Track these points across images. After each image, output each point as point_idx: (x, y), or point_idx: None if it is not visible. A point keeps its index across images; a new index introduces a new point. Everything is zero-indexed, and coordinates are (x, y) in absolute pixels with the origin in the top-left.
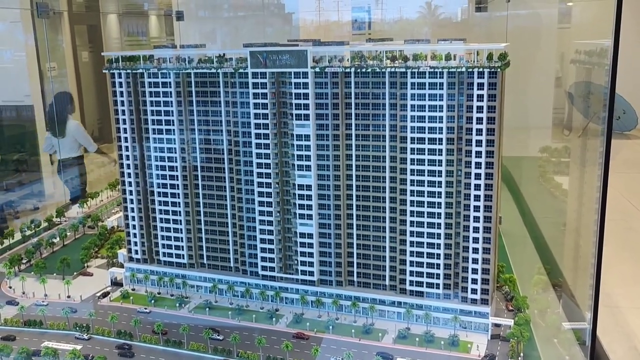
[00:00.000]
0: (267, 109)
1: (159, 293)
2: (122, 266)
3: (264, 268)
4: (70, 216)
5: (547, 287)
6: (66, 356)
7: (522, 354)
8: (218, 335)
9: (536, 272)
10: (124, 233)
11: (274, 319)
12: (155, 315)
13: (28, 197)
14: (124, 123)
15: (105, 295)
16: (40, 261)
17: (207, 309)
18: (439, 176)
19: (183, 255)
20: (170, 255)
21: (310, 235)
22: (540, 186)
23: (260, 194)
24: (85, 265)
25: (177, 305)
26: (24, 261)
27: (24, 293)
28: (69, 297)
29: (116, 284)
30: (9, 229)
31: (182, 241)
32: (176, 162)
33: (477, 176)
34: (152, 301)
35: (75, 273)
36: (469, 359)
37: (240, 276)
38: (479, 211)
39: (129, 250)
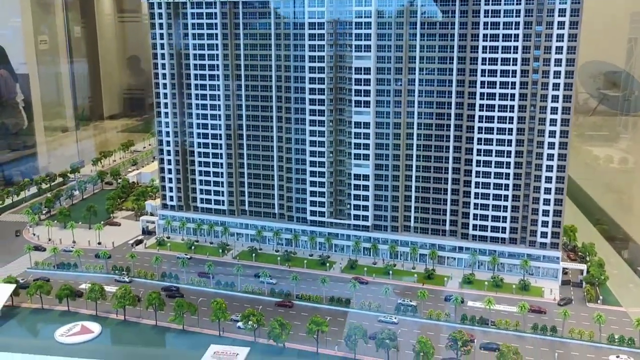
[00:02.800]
0: (323, 39)
1: (196, 241)
2: (152, 216)
3: (313, 213)
4: (84, 173)
5: (608, 236)
6: (116, 292)
7: (601, 297)
8: (271, 279)
9: (595, 223)
10: (145, 187)
11: (327, 264)
12: (197, 261)
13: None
14: (163, 66)
15: (138, 242)
16: (65, 209)
17: (253, 255)
18: (510, 111)
19: (223, 201)
20: (209, 202)
21: (365, 177)
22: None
23: (312, 132)
24: (112, 215)
25: (220, 252)
26: (44, 211)
27: (50, 239)
28: (99, 243)
29: (148, 232)
30: (24, 180)
31: (222, 186)
32: (219, 108)
33: (553, 110)
34: (192, 248)
35: (102, 222)
36: (546, 303)
37: (285, 223)
38: (554, 148)
39: (164, 197)
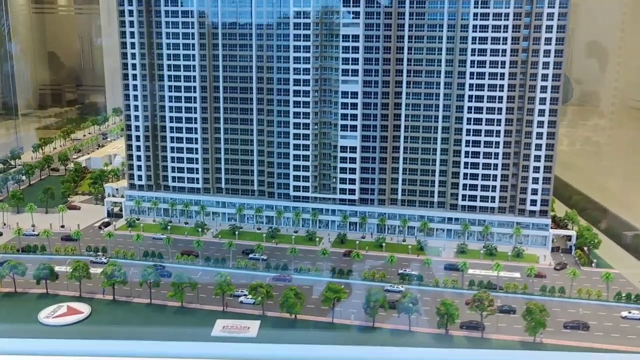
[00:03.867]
0: (309, 4)
1: (170, 222)
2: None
3: (296, 189)
4: (25, 160)
5: (586, 205)
6: (105, 269)
7: (595, 260)
8: (261, 255)
9: (574, 193)
10: (101, 171)
11: (317, 239)
12: (176, 242)
13: None
14: (131, 34)
15: (106, 225)
16: (18, 192)
17: (236, 233)
18: (500, 79)
19: (197, 179)
20: (181, 180)
21: (353, 149)
22: None
23: (296, 103)
24: (68, 199)
25: (199, 231)
26: None
27: (4, 224)
28: (62, 226)
29: (113, 215)
30: None
31: (197, 163)
32: (193, 79)
33: (544, 78)
34: (168, 228)
35: (60, 206)
36: (542, 269)
37: (266, 200)
38: (544, 115)
39: (131, 177)
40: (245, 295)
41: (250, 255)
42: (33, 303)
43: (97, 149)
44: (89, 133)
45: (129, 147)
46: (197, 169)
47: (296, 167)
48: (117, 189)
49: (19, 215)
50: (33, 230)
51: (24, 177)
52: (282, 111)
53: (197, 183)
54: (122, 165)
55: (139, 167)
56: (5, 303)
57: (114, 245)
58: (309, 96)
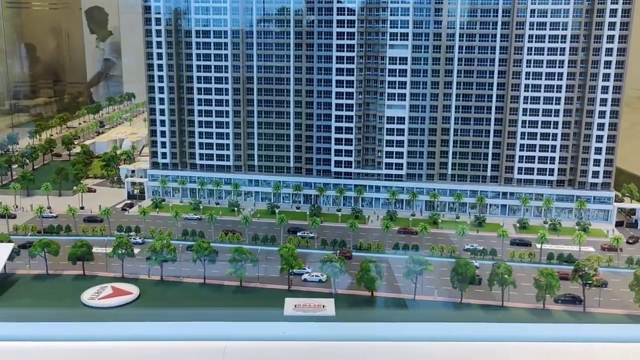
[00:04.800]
0: None
1: (199, 202)
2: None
3: (337, 164)
4: (22, 145)
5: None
6: (153, 245)
7: None
8: (310, 233)
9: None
10: (114, 153)
11: (367, 217)
12: (207, 222)
13: None
14: (157, 8)
15: (130, 206)
16: (29, 173)
17: (277, 211)
18: (562, 42)
19: (228, 156)
20: (210, 158)
21: (400, 120)
22: None
23: (339, 71)
24: (81, 181)
25: (234, 211)
26: None
27: (17, 206)
28: (82, 208)
29: (133, 197)
30: None
31: (227, 139)
32: (224, 47)
33: (610, 39)
34: (200, 208)
35: (79, 185)
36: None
37: (303, 177)
38: (609, 80)
39: (154, 155)
40: (309, 272)
41: (299, 233)
42: (70, 285)
43: (97, 135)
44: (84, 121)
45: (153, 123)
46: (227, 145)
47: (338, 141)
48: (132, 171)
49: (30, 198)
50: (50, 212)
51: (27, 161)
52: (323, 80)
53: (228, 161)
54: (133, 148)
55: (163, 145)
56: (39, 285)
57: (145, 226)
58: (352, 63)
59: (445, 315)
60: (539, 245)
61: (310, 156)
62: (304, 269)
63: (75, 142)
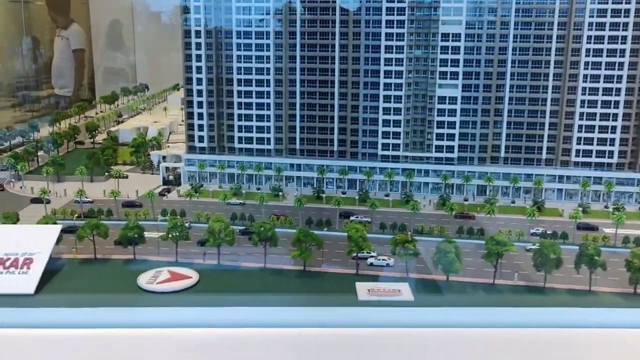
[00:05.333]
0: None
1: (239, 187)
2: (168, 167)
3: (385, 147)
4: (43, 134)
5: None
6: (210, 226)
7: None
8: (364, 217)
9: None
10: (142, 138)
11: (422, 200)
12: (252, 207)
13: None
14: None
15: (167, 191)
16: (59, 157)
17: (323, 197)
18: (625, 17)
19: (269, 139)
20: (249, 141)
21: (453, 100)
22: None
23: (388, 48)
24: (111, 167)
25: (279, 195)
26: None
27: (47, 191)
28: (118, 193)
29: (168, 182)
30: None
31: (268, 121)
32: (267, 24)
33: None
34: (242, 193)
35: (116, 169)
36: None
37: (347, 160)
38: None
39: (190, 139)
40: (374, 256)
41: (353, 217)
42: (122, 269)
43: (116, 124)
44: (101, 111)
45: (189, 104)
46: (268, 128)
47: (385, 123)
48: (163, 157)
49: (61, 184)
50: (85, 197)
51: (52, 148)
52: (370, 58)
53: (268, 144)
54: (160, 135)
55: (200, 128)
56: (89, 270)
57: (188, 210)
58: (402, 39)
59: (529, 300)
60: (606, 230)
61: (355, 139)
62: (369, 252)
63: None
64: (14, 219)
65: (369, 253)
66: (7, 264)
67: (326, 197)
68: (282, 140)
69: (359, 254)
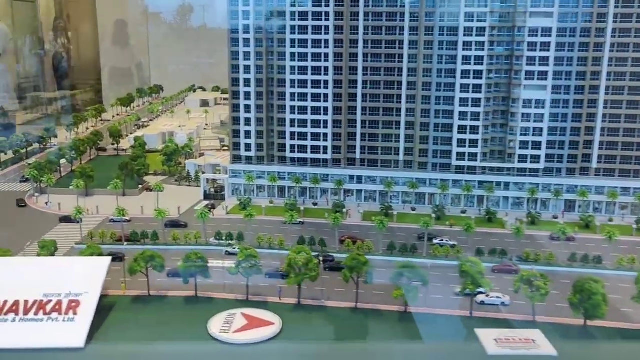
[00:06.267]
0: None
1: (295, 202)
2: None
3: (460, 157)
4: (60, 139)
5: None
6: (291, 259)
7: None
8: (448, 240)
9: None
10: (175, 145)
11: (504, 217)
12: (319, 226)
13: None
14: None
15: (212, 207)
16: (88, 168)
17: (395, 214)
18: None
19: (325, 148)
20: (302, 150)
21: (540, 104)
22: None
23: (466, 45)
24: (143, 178)
25: (344, 212)
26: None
27: (83, 211)
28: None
29: (208, 196)
30: None
31: (325, 127)
32: (326, 30)
33: None
34: (299, 210)
35: (157, 183)
36: None
37: (415, 172)
38: None
39: (236, 147)
40: (483, 293)
41: (437, 241)
42: (184, 310)
43: (137, 128)
44: (117, 114)
45: (235, 109)
46: (324, 135)
47: (461, 129)
48: (199, 166)
49: (90, 199)
50: (122, 216)
51: (74, 156)
52: (445, 56)
53: (325, 153)
54: (190, 141)
55: (247, 135)
56: (145, 310)
57: (242, 231)
58: (483, 34)
59: None
60: None
61: (424, 147)
62: (481, 289)
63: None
64: (51, 249)
65: (480, 290)
66: (49, 308)
67: (392, 213)
68: (341, 149)
69: (466, 291)
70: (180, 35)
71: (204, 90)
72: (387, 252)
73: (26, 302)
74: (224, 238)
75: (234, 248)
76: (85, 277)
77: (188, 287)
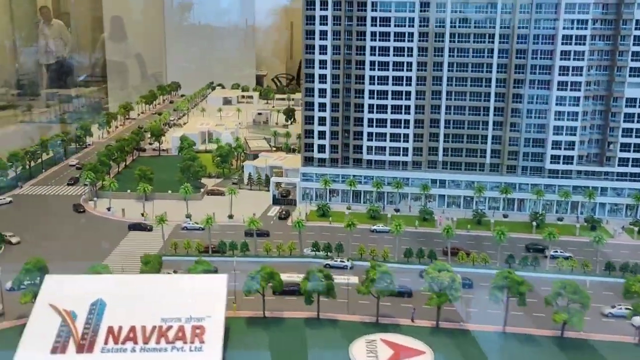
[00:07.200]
0: None
1: (377, 209)
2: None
3: (554, 159)
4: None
5: None
6: (431, 272)
7: None
8: (562, 252)
9: None
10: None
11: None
12: (405, 234)
13: None
14: None
15: (286, 214)
16: (146, 170)
17: (492, 222)
18: None
19: (406, 150)
20: (380, 151)
21: None
22: None
23: (566, 39)
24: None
25: (426, 220)
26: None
27: (164, 219)
28: (231, 217)
29: (277, 201)
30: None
31: (407, 127)
32: (410, 22)
33: None
34: (379, 216)
35: (230, 187)
36: None
37: (504, 176)
38: None
39: (308, 148)
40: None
41: (552, 253)
42: (309, 335)
43: (168, 127)
44: (142, 112)
45: (309, 107)
46: (405, 136)
47: (557, 130)
48: (259, 168)
49: (151, 203)
50: (189, 223)
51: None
52: (540, 51)
53: (405, 155)
54: (237, 140)
55: (321, 135)
56: (265, 335)
57: (330, 241)
58: (585, 27)
59: None
60: None
61: (514, 149)
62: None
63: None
64: (156, 265)
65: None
66: (171, 335)
67: (485, 220)
68: (421, 151)
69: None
70: (187, 32)
71: (223, 87)
72: (505, 265)
73: (144, 328)
74: (321, 249)
75: (335, 260)
76: (205, 298)
77: (303, 307)
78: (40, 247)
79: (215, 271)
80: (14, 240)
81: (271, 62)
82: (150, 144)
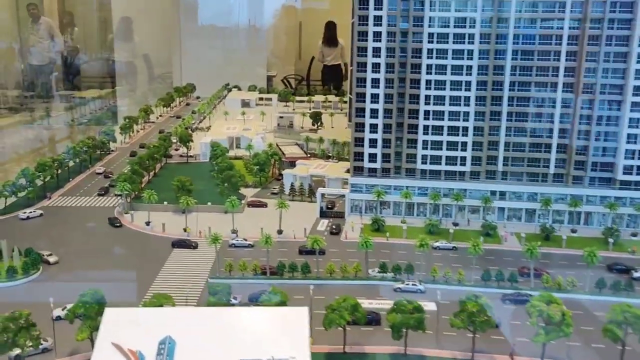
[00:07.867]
0: None
1: (436, 223)
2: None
3: (627, 170)
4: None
5: None
6: (536, 303)
7: None
8: None
9: None
10: (261, 158)
11: None
12: (498, 253)
13: None
14: None
15: (337, 228)
16: (187, 181)
17: (563, 238)
18: None
19: (463, 159)
20: (436, 161)
21: None
22: None
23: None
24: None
25: (489, 235)
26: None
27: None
28: (280, 232)
29: (323, 214)
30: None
31: (465, 134)
32: (471, 23)
33: None
34: (439, 231)
35: (280, 200)
36: None
37: (570, 187)
38: None
39: (357, 157)
40: None
41: (638, 274)
42: None
43: (191, 131)
44: (161, 115)
45: (359, 112)
46: (463, 144)
47: (630, 138)
48: (297, 177)
49: (191, 216)
50: (237, 239)
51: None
52: (613, 53)
53: (462, 164)
54: (270, 147)
55: (373, 143)
56: None
57: (390, 260)
58: None
59: None
60: None
61: (581, 158)
62: None
63: (174, 140)
64: (227, 295)
65: None
66: None
67: (554, 236)
68: (480, 160)
69: None
70: (201, 33)
71: (239, 89)
72: (594, 290)
73: None
74: (389, 270)
75: (407, 284)
76: (286, 335)
77: (384, 339)
78: (80, 267)
79: None
80: (51, 259)
81: (280, 63)
82: (177, 149)
